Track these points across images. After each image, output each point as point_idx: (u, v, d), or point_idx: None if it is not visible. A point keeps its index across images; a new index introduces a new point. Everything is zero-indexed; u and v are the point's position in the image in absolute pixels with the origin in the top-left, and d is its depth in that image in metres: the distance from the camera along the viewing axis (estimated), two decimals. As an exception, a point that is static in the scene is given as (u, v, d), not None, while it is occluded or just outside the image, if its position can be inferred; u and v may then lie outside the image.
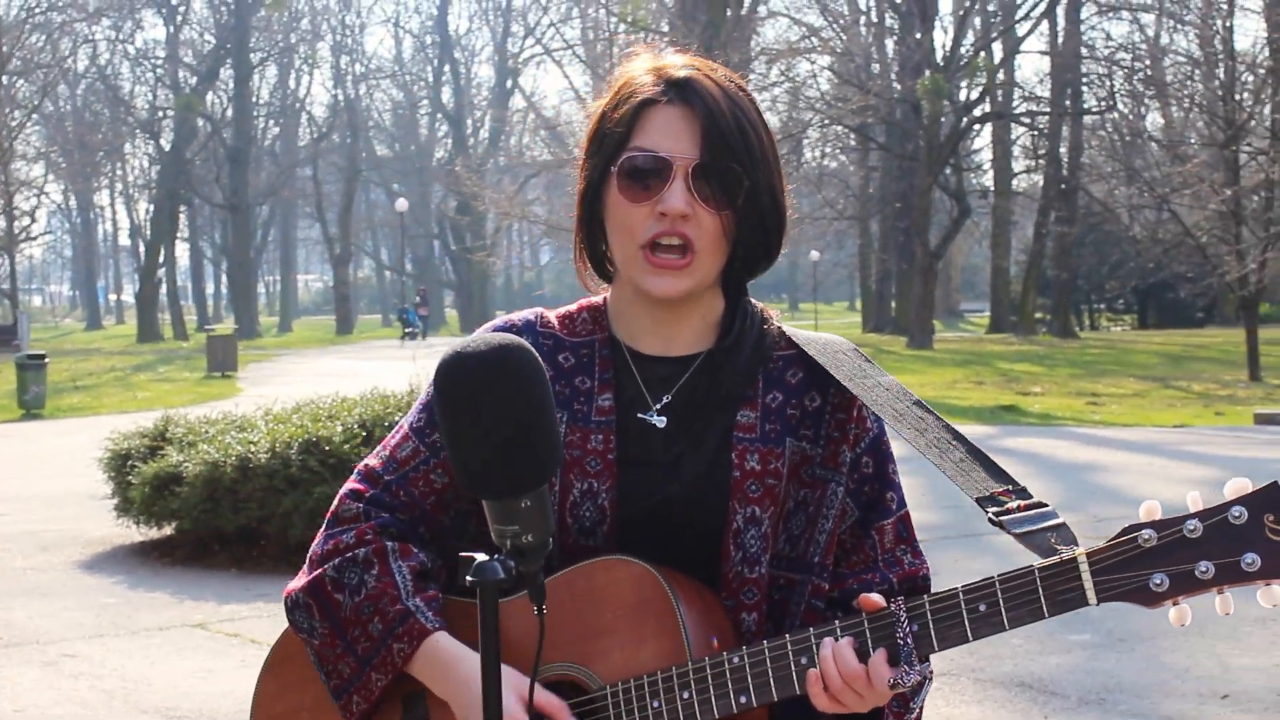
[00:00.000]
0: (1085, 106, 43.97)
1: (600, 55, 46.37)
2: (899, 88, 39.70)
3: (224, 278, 77.25)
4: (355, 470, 2.23)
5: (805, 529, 2.10)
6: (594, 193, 2.11)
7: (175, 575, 9.62)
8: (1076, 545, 1.80)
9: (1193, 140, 35.91)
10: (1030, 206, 50.89)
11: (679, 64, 2.10)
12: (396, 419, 9.92)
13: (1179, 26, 43.24)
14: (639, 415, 2.12)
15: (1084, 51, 43.17)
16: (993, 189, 49.19)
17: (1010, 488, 1.92)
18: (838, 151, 50.49)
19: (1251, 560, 1.69)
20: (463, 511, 2.18)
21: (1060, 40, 44.08)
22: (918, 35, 39.94)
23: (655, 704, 1.96)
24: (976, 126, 45.05)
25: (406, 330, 52.52)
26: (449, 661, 2.03)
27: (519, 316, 2.22)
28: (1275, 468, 13.56)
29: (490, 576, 1.69)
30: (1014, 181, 51.07)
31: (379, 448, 2.22)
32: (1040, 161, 48.16)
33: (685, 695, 1.94)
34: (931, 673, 1.89)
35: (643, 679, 1.98)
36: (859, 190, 51.37)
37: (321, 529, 2.19)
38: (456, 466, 1.74)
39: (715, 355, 2.14)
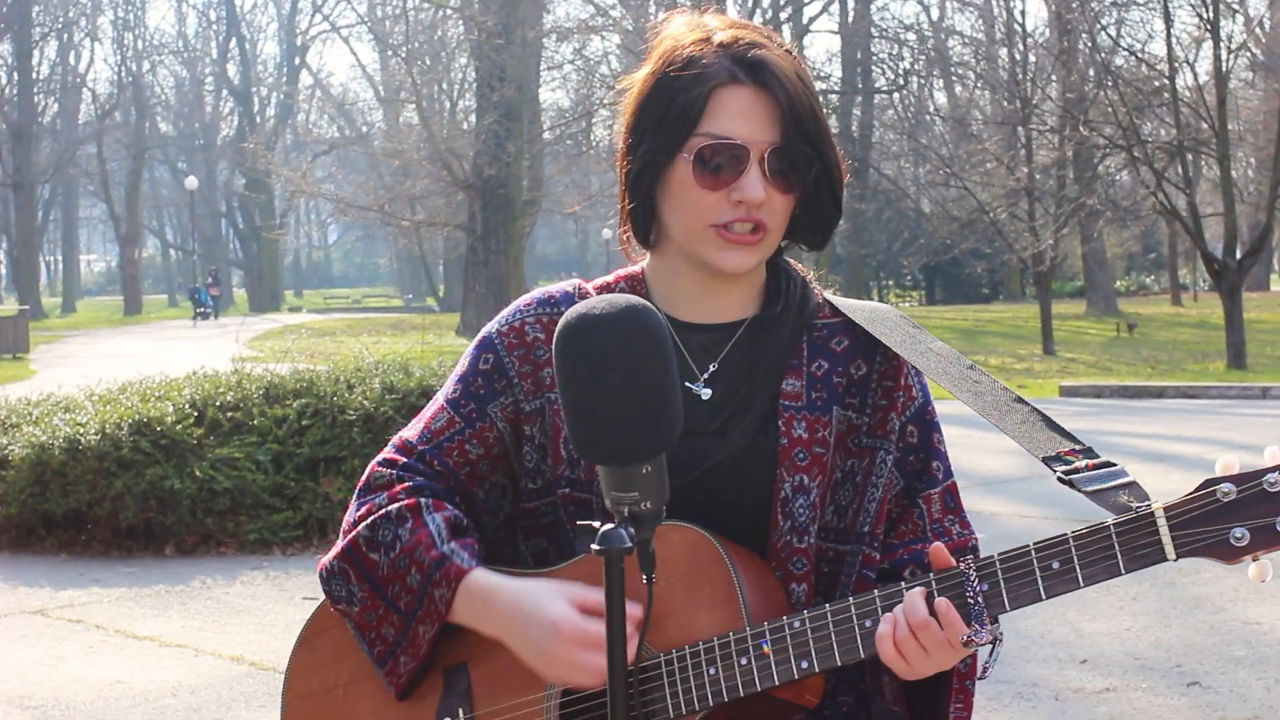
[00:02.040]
0: (876, 85, 44.88)
1: (389, 30, 45.82)
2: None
3: (2, 258, 74.23)
4: (389, 443, 2.18)
5: (854, 499, 2.07)
6: (655, 173, 2.04)
7: (3, 561, 9.25)
8: (1147, 503, 1.80)
9: (979, 119, 36.94)
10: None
11: (745, 39, 2.02)
12: (228, 398, 9.71)
13: (962, 7, 44.52)
14: (685, 384, 2.07)
15: (873, 31, 44.06)
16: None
17: (1076, 447, 1.92)
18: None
19: None
20: (498, 486, 2.15)
21: (850, 19, 44.90)
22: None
23: (712, 671, 1.92)
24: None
25: (198, 310, 51.39)
26: (488, 594, 1.99)
27: (557, 289, 2.17)
28: (1096, 437, 14.00)
29: (617, 545, 1.66)
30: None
31: (414, 421, 2.17)
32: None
33: (744, 661, 1.91)
34: (1001, 634, 1.87)
35: (698, 646, 1.94)
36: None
37: (352, 501, 2.13)
38: (578, 433, 1.70)
39: (758, 322, 2.11)
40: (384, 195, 40.80)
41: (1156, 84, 27.23)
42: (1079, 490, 1.85)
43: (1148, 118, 27.90)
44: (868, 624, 1.90)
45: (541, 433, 2.10)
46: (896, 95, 44.16)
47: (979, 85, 38.04)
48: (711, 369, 2.10)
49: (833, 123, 39.99)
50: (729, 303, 2.12)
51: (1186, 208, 25.11)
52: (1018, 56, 33.89)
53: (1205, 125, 25.84)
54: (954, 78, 40.96)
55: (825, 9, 46.21)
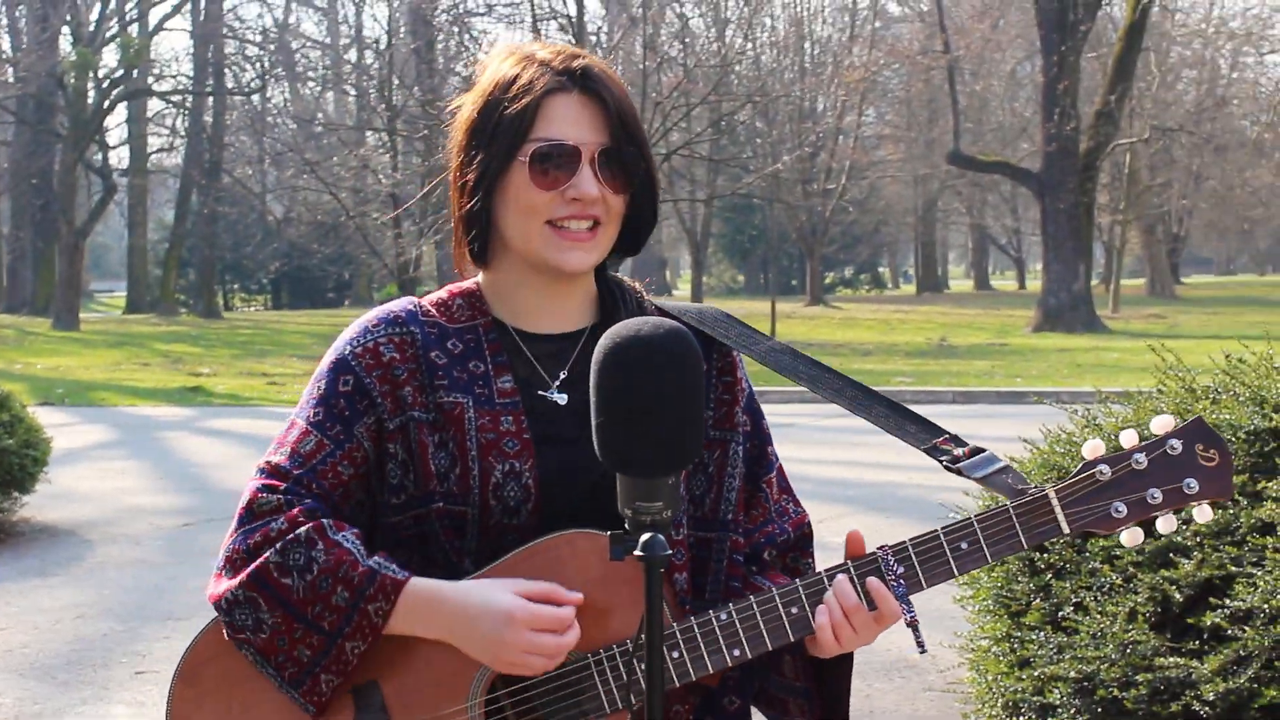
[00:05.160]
0: (228, 86, 44.12)
1: None
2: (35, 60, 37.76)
3: None
4: (257, 468, 2.13)
5: (710, 488, 2.18)
6: (490, 182, 2.11)
7: None
8: (1030, 485, 2.02)
9: (344, 121, 37.06)
10: (165, 184, 50.32)
11: (567, 53, 2.14)
12: None
13: (310, 12, 44.61)
14: (540, 393, 2.15)
15: (226, 31, 43.34)
16: (128, 166, 48.05)
17: (946, 435, 2.11)
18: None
19: (1191, 484, 2.00)
20: (361, 504, 2.14)
21: (203, 19, 43.92)
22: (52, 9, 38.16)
23: (644, 666, 1.96)
24: (124, 103, 43.83)
25: None
26: (433, 597, 2.01)
27: (398, 306, 2.21)
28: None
29: (659, 551, 1.72)
30: (152, 159, 50.16)
31: (274, 446, 2.14)
32: (182, 139, 47.71)
33: (676, 655, 2.01)
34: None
35: (626, 644, 2.01)
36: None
37: (233, 529, 2.08)
38: (615, 449, 1.75)
39: (601, 330, 2.15)
40: None
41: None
42: (967, 476, 2.04)
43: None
44: (794, 610, 2.03)
45: (405, 450, 2.11)
46: (244, 98, 43.64)
47: (343, 88, 38.16)
48: (562, 376, 2.17)
49: (184, 124, 38.86)
50: (569, 312, 2.21)
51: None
52: (369, 61, 34.34)
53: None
54: (312, 80, 40.99)
55: (178, 9, 44.95)
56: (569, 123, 2.09)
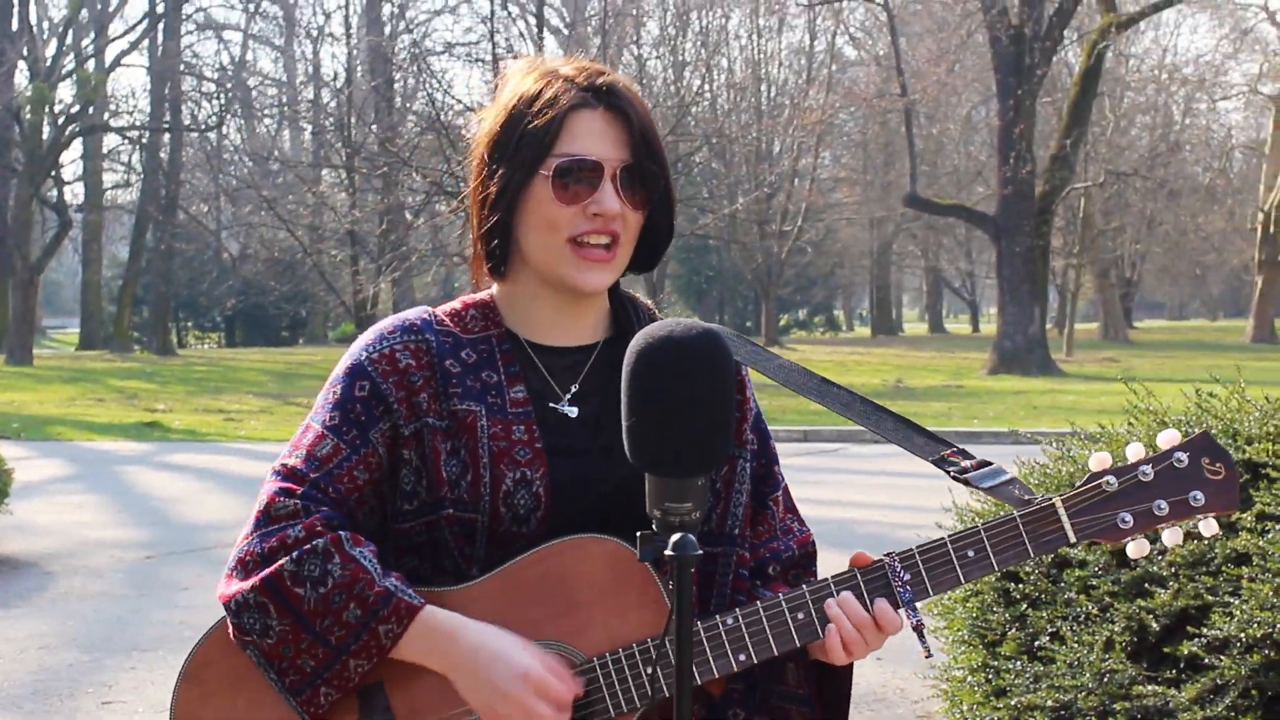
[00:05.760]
0: (186, 123, 43.99)
1: None
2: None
3: None
4: (273, 470, 2.13)
5: (717, 504, 2.20)
6: (512, 195, 2.13)
7: None
8: (1037, 495, 2.05)
9: (299, 160, 37.02)
10: (120, 220, 50.04)
11: (590, 69, 2.17)
12: None
13: (267, 49, 44.62)
14: (551, 405, 2.17)
15: (183, 68, 43.25)
16: (84, 202, 47.77)
17: (953, 448, 2.14)
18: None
19: (1197, 497, 2.04)
20: (374, 510, 2.15)
21: (160, 56, 43.83)
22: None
23: (649, 670, 2.00)
24: (80, 139, 43.62)
25: None
26: (450, 632, 2.02)
27: (414, 315, 2.22)
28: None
29: (690, 551, 1.73)
30: (108, 195, 49.91)
31: (289, 449, 2.15)
32: (137, 176, 47.50)
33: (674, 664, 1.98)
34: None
35: (633, 648, 2.03)
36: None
37: (249, 530, 2.08)
38: (646, 449, 1.76)
39: (615, 344, 2.21)
40: None
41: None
42: (975, 487, 2.07)
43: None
44: (800, 616, 2.05)
45: (419, 456, 2.12)
46: (200, 134, 43.56)
47: (300, 125, 38.14)
48: (574, 389, 2.19)
49: (140, 160, 38.58)
50: (583, 327, 2.23)
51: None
52: (327, 99, 34.30)
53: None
54: (269, 117, 40.97)
55: (135, 46, 44.84)
56: (593, 138, 2.12)
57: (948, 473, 2.14)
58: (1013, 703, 4.20)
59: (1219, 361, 31.71)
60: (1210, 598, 3.87)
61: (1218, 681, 3.68)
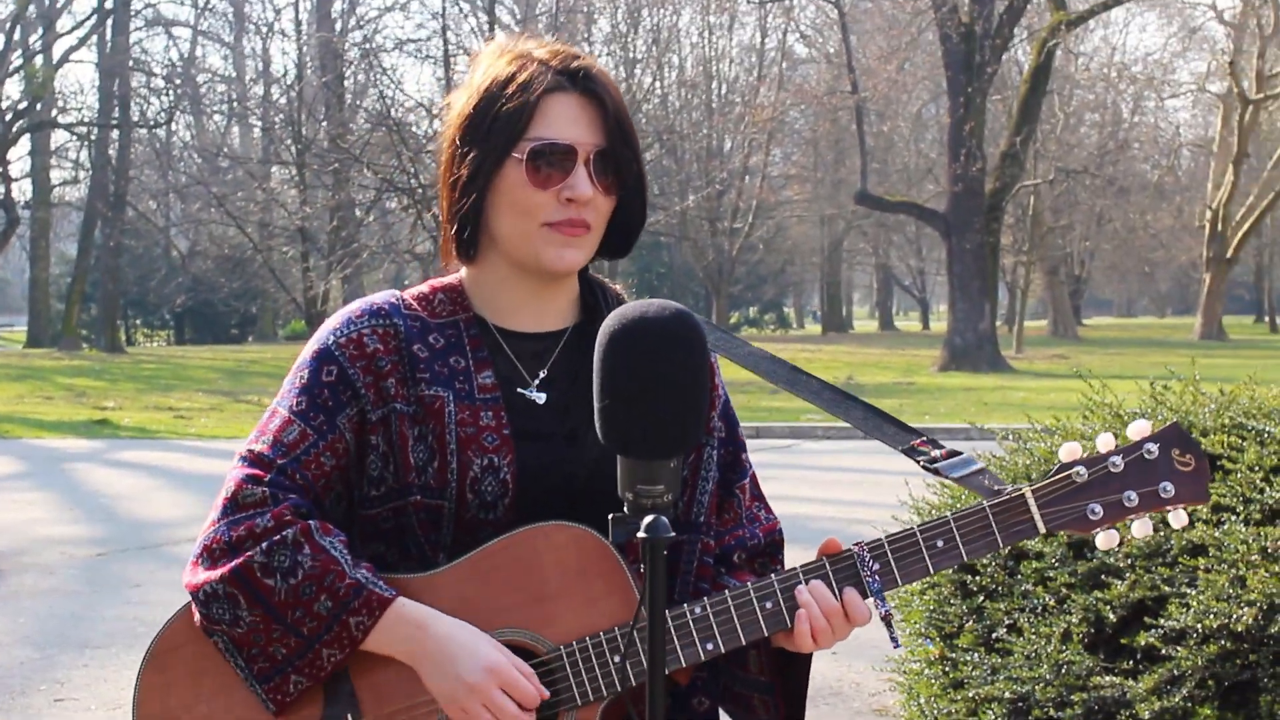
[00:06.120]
0: (135, 120, 43.61)
1: None
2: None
3: None
4: (239, 456, 2.10)
5: (684, 491, 2.19)
6: (484, 179, 2.11)
7: None
8: (1007, 486, 2.06)
9: (248, 156, 36.77)
10: (68, 218, 49.56)
11: (565, 53, 2.14)
12: None
13: (216, 46, 44.32)
14: (519, 390, 2.15)
15: (131, 64, 42.87)
16: (31, 199, 47.28)
17: (923, 438, 2.14)
18: None
19: (1166, 488, 2.04)
20: (340, 496, 2.13)
21: (108, 52, 43.42)
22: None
23: (616, 659, 2.00)
24: (28, 135, 43.17)
25: None
26: (420, 621, 2.00)
27: (381, 298, 2.20)
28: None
29: (663, 533, 1.72)
30: (56, 192, 49.40)
31: (256, 434, 2.12)
32: (86, 172, 47.05)
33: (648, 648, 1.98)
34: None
35: (599, 636, 2.02)
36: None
37: (215, 517, 2.05)
38: (618, 430, 1.75)
39: (583, 330, 2.20)
40: None
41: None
42: (944, 477, 2.07)
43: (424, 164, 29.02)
44: (768, 605, 2.05)
45: (386, 441, 2.11)
46: (149, 131, 43.21)
47: (249, 122, 37.89)
48: (542, 375, 2.18)
49: (88, 157, 38.28)
50: (552, 312, 2.21)
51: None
52: (277, 95, 34.12)
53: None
54: (219, 114, 40.69)
55: (83, 42, 44.42)
56: (567, 123, 2.10)
57: (917, 461, 2.14)
58: (970, 694, 4.22)
59: (1168, 358, 31.97)
60: (1167, 589, 3.90)
61: (1174, 672, 3.71)
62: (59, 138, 46.88)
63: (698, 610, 2.04)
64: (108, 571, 9.44)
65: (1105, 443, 2.08)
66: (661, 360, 1.74)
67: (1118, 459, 2.06)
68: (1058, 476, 2.07)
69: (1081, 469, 2.06)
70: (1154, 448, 2.07)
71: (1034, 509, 2.05)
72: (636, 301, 1.82)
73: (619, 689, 2.03)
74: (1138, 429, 2.08)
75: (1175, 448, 2.07)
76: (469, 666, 1.98)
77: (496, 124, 2.09)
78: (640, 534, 1.73)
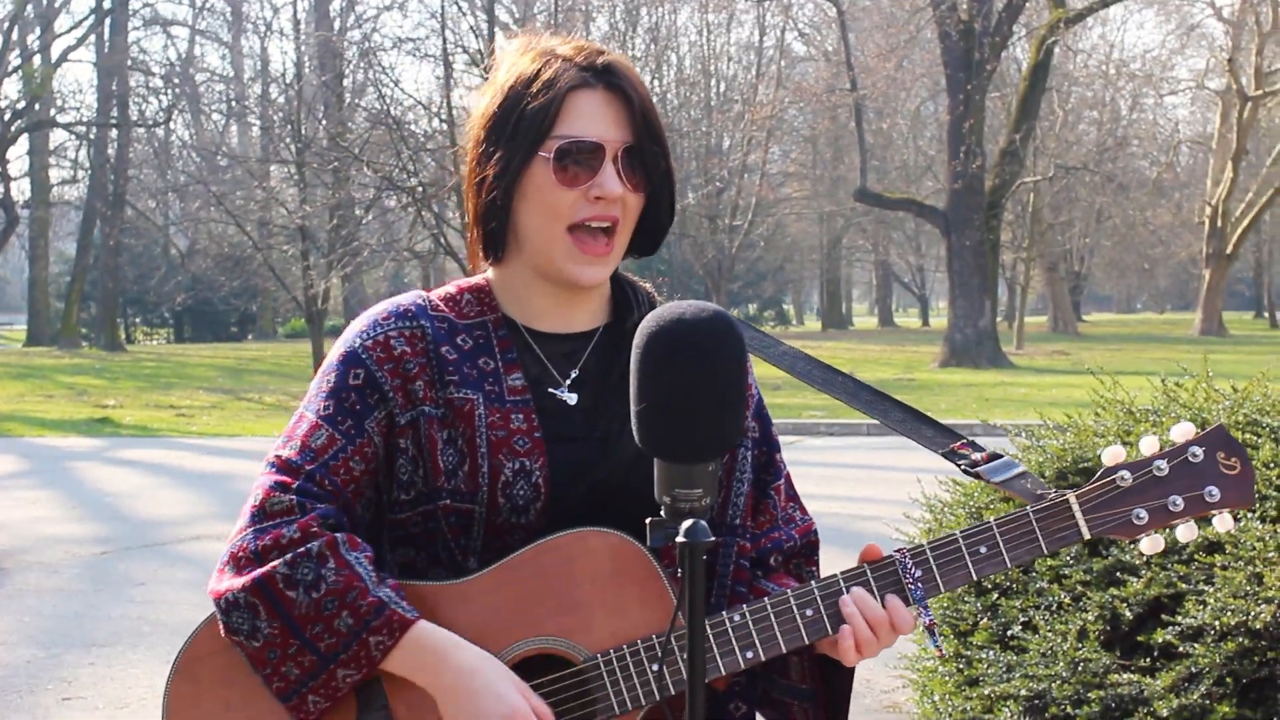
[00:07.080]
0: (133, 119, 43.54)
1: None
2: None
3: None
4: (266, 462, 2.06)
5: (720, 493, 2.14)
6: (510, 178, 2.07)
7: None
8: (1050, 490, 2.02)
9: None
10: (67, 217, 49.47)
11: (589, 49, 2.10)
12: None
13: (215, 45, 44.23)
14: (550, 391, 2.11)
15: (130, 64, 42.80)
16: (30, 198, 47.21)
17: (963, 440, 2.11)
18: None
19: (1212, 493, 2.01)
20: (370, 501, 2.09)
21: (107, 51, 43.34)
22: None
23: (655, 667, 1.96)
24: (27, 135, 43.09)
25: None
26: (441, 649, 1.95)
27: (408, 300, 2.16)
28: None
29: (702, 538, 1.68)
30: (55, 192, 49.32)
31: (284, 439, 2.07)
32: (85, 171, 46.97)
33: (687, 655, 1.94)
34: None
35: (637, 644, 1.97)
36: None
37: (243, 524, 2.01)
38: (656, 435, 1.71)
39: (614, 330, 2.17)
40: None
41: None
42: (986, 480, 2.04)
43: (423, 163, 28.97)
44: (809, 613, 2.00)
45: (415, 445, 2.07)
46: (148, 130, 43.15)
47: (248, 120, 37.83)
48: (574, 375, 2.14)
49: (87, 156, 38.18)
50: (581, 313, 2.17)
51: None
52: (276, 94, 34.04)
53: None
54: (218, 113, 40.61)
55: (81, 41, 44.35)
56: (593, 119, 2.06)
57: (958, 465, 2.10)
58: (986, 692, 4.20)
59: (1168, 354, 31.97)
60: (1183, 586, 3.89)
61: (1192, 669, 3.70)
62: (58, 137, 46.82)
63: (737, 618, 2.00)
64: (111, 570, 9.43)
65: (1149, 446, 2.04)
66: (702, 365, 1.70)
67: (1162, 463, 2.02)
68: (1102, 481, 2.03)
69: (1126, 473, 2.02)
70: (1199, 451, 2.03)
71: (1078, 514, 2.02)
72: (673, 303, 1.78)
73: (657, 698, 1.99)
74: (1182, 431, 2.04)
75: (1220, 451, 2.03)
76: (490, 705, 1.93)
77: (522, 123, 2.06)
78: (680, 539, 1.70)
